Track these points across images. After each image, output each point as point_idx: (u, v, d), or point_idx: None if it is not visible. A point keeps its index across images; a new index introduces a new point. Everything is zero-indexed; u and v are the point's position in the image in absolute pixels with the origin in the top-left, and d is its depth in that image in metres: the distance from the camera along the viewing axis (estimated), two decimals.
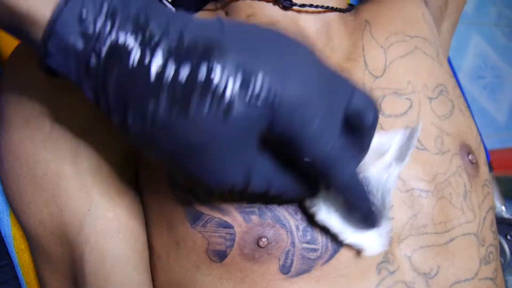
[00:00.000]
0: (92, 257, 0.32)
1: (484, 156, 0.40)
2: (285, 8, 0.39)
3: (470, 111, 0.44)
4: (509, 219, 0.58)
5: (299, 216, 0.31)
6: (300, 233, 0.31)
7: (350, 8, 0.43)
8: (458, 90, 0.41)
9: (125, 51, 0.23)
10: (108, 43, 0.23)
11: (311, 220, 0.31)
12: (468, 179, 0.36)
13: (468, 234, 0.35)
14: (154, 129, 0.23)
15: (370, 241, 0.30)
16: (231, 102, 0.22)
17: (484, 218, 0.36)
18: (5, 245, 0.37)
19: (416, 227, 0.33)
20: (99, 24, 0.23)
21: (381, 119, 0.35)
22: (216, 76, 0.22)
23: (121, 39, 0.23)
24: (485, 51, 1.04)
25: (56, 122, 0.32)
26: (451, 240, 0.34)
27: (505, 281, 0.40)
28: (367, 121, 0.26)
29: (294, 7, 0.39)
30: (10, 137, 0.33)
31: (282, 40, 0.25)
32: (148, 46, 0.23)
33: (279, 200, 0.31)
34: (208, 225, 0.31)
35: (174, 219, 0.32)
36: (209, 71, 0.22)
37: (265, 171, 0.26)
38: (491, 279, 0.35)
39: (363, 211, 0.28)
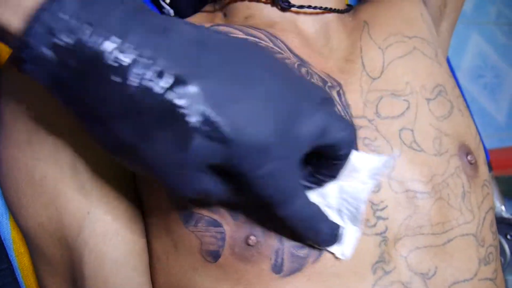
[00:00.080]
0: (91, 259, 0.32)
1: (484, 156, 0.40)
2: (283, 9, 0.39)
3: (470, 111, 0.44)
4: (508, 219, 0.58)
5: None
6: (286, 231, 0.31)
7: (348, 8, 0.43)
8: (457, 90, 0.41)
9: (99, 65, 0.23)
10: (81, 55, 0.23)
11: None
12: (467, 179, 0.36)
13: (467, 235, 0.35)
14: (117, 148, 0.25)
15: (336, 249, 0.31)
16: (191, 134, 0.23)
17: (484, 219, 0.36)
18: (5, 249, 0.37)
19: (412, 228, 0.33)
20: (73, 36, 0.23)
21: (377, 121, 0.35)
22: (183, 108, 0.23)
23: (95, 51, 0.23)
24: (485, 50, 1.04)
25: (54, 125, 0.32)
26: (449, 241, 0.34)
27: (505, 281, 0.40)
28: (342, 153, 0.28)
29: (292, 8, 0.39)
30: (8, 140, 0.33)
31: (253, 67, 0.26)
32: (122, 63, 0.23)
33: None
34: (199, 224, 0.31)
35: (170, 220, 0.32)
36: (177, 101, 0.23)
37: (219, 192, 0.27)
38: (491, 279, 0.35)
39: (312, 239, 0.30)
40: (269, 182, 0.25)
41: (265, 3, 0.39)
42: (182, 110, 0.23)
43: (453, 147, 0.36)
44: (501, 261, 0.50)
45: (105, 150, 0.26)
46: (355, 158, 0.31)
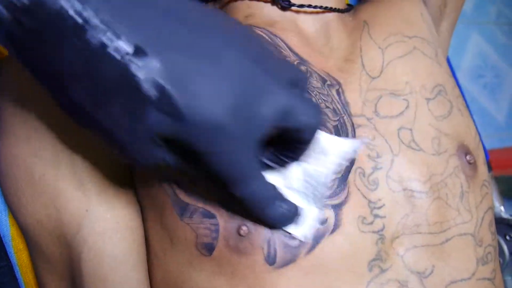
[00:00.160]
0: (90, 257, 0.32)
1: (483, 156, 0.40)
2: (283, 8, 0.39)
3: (470, 111, 0.44)
4: (508, 219, 0.58)
5: None
6: None
7: (349, 8, 0.43)
8: (457, 90, 0.41)
9: (55, 25, 0.22)
10: (36, 14, 0.22)
11: None
12: (466, 179, 0.36)
13: (465, 235, 0.35)
14: (74, 112, 0.25)
15: (294, 230, 0.31)
16: (146, 106, 0.23)
17: (482, 219, 0.36)
18: (4, 246, 0.37)
19: (409, 227, 0.33)
20: None
21: (375, 119, 0.35)
22: (140, 79, 0.22)
23: (52, 10, 0.22)
24: (485, 50, 1.04)
25: (53, 123, 0.32)
26: (447, 240, 0.34)
27: (504, 282, 0.40)
28: (305, 138, 0.27)
29: (293, 8, 0.39)
30: (7, 139, 0.33)
31: (221, 43, 0.25)
32: (79, 23, 0.22)
33: None
34: (194, 216, 0.31)
35: (166, 214, 0.32)
36: (134, 71, 0.22)
37: (175, 165, 0.26)
38: (489, 279, 0.35)
39: (265, 219, 0.29)
40: (223, 161, 0.25)
41: (266, 2, 0.39)
42: (139, 81, 0.22)
43: (452, 146, 0.36)
44: (500, 261, 0.50)
45: (65, 113, 0.26)
46: (324, 139, 0.31)
